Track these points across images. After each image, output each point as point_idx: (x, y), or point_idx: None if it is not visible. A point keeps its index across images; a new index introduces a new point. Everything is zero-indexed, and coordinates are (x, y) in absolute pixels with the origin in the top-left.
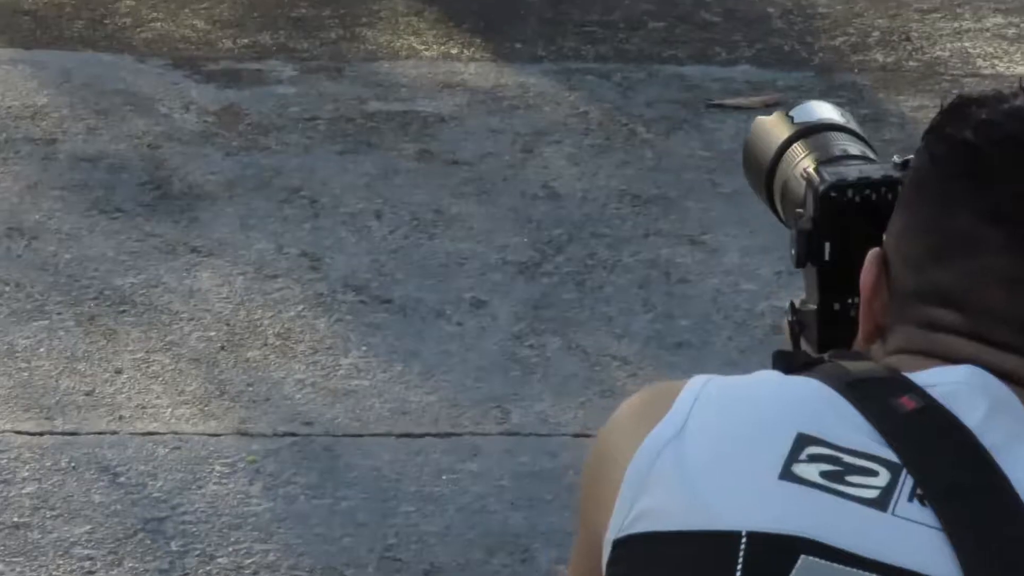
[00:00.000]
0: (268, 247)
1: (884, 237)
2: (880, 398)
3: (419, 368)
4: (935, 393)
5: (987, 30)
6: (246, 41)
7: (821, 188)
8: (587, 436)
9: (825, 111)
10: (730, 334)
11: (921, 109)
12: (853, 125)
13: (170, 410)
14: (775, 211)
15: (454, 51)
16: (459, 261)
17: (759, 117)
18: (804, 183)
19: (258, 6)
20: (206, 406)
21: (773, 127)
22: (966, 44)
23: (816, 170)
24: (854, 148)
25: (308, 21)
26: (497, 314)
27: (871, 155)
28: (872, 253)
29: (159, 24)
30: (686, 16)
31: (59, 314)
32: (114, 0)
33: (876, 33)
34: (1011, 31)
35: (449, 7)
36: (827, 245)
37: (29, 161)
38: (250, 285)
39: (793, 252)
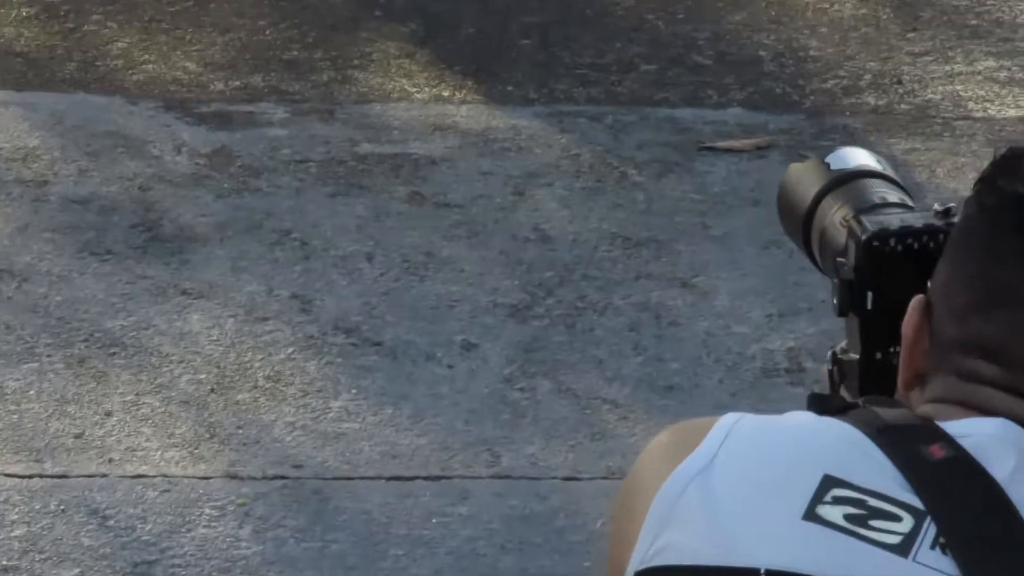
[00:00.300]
0: (259, 289)
1: (929, 284)
2: (910, 445)
3: (409, 411)
4: (966, 444)
5: (979, 73)
6: (238, 83)
7: (863, 237)
8: (577, 479)
9: (861, 157)
10: (721, 377)
11: (912, 152)
12: (890, 172)
13: (160, 453)
14: (812, 259)
15: (446, 93)
16: (450, 304)
17: (793, 164)
18: (845, 232)
19: (250, 48)
20: (196, 449)
21: (809, 174)
22: (958, 87)
23: (857, 219)
24: (893, 195)
25: (300, 63)
26: (488, 357)
27: (909, 202)
28: (915, 300)
29: (151, 66)
30: (677, 59)
31: (49, 356)
32: (106, 42)
33: (868, 76)
34: (1003, 74)
35: (441, 49)
36: (869, 295)
37: (20, 203)
38: (240, 327)
39: (835, 301)
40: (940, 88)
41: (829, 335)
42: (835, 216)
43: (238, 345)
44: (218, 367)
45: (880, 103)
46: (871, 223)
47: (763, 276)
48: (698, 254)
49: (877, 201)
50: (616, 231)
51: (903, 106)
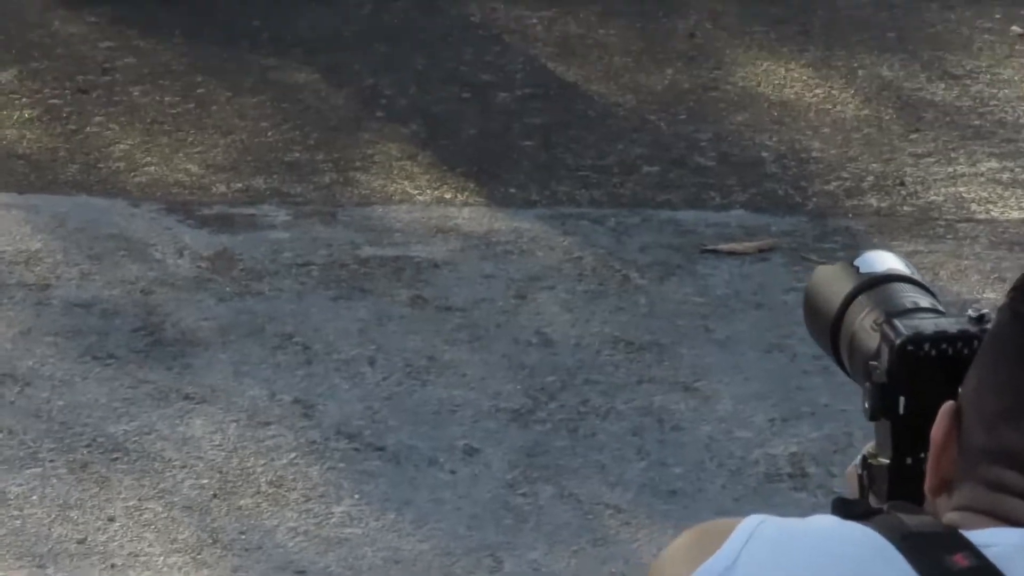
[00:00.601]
0: (261, 394)
1: (959, 391)
2: (934, 553)
3: (412, 516)
4: (990, 553)
5: (981, 175)
6: (240, 185)
7: (897, 342)
8: None
9: (890, 261)
10: (724, 482)
11: (915, 254)
12: (918, 276)
13: (163, 558)
14: (839, 362)
15: (448, 196)
16: (452, 408)
17: (821, 266)
18: (877, 336)
19: (252, 150)
20: (199, 554)
21: (837, 277)
22: (960, 189)
23: (890, 323)
24: (924, 300)
25: (302, 165)
26: (490, 462)
27: (940, 307)
28: (946, 406)
29: (153, 168)
30: (680, 160)
31: (52, 461)
32: (108, 144)
33: (870, 178)
34: (1006, 175)
35: (443, 151)
36: (902, 399)
37: (23, 307)
38: (243, 432)
39: (866, 405)
40: (943, 190)
41: (832, 439)
42: (866, 320)
43: (240, 450)
44: (220, 472)
45: (883, 205)
46: (905, 327)
47: (766, 380)
48: (701, 358)
49: (909, 305)
50: (618, 335)
51: (906, 208)
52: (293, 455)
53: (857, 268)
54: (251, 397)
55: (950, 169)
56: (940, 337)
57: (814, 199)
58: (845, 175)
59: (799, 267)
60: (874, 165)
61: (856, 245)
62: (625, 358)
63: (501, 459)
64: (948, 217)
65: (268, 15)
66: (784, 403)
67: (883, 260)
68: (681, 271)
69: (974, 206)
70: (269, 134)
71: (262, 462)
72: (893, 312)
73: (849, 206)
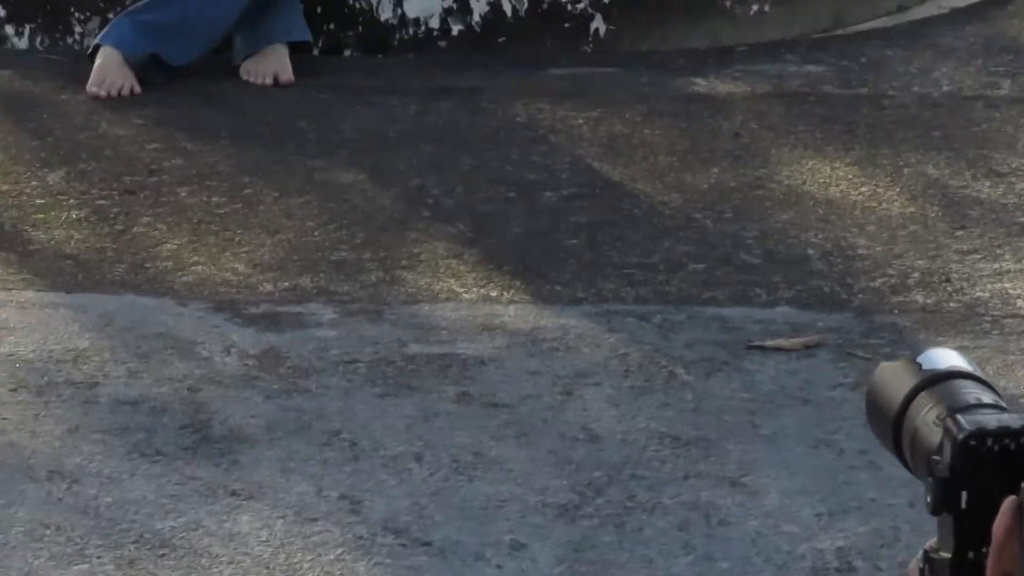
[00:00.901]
0: (308, 490)
1: (1022, 486)
2: None
3: None
4: None
5: None
6: (287, 284)
7: (960, 436)
8: None
9: (952, 358)
10: None
11: (962, 350)
12: (980, 373)
13: None
14: (901, 458)
15: (493, 293)
16: (499, 504)
17: (883, 363)
18: (940, 431)
19: (298, 249)
20: None
21: (899, 374)
22: (1007, 285)
23: (953, 418)
24: (987, 396)
25: (348, 264)
26: (537, 557)
27: (1002, 403)
28: (1008, 501)
29: (200, 268)
30: (726, 258)
31: (99, 558)
32: (155, 244)
33: (916, 274)
34: None
35: (489, 250)
36: (964, 494)
37: (70, 405)
38: (290, 528)
39: (929, 500)
40: (989, 286)
41: (880, 534)
42: (928, 415)
43: (288, 546)
44: (268, 568)
45: (928, 301)
46: (968, 422)
47: (813, 475)
48: (747, 453)
49: (972, 401)
50: (665, 430)
51: (952, 304)
52: (340, 551)
53: (920, 365)
54: (298, 493)
55: (996, 266)
56: (1003, 432)
57: (860, 296)
58: (891, 272)
59: (845, 363)
60: (920, 262)
61: (902, 341)
62: (672, 453)
63: (548, 554)
64: (994, 313)
65: (314, 117)
66: (831, 498)
67: (945, 357)
68: (727, 367)
69: (1020, 302)
70: (316, 233)
71: (309, 558)
72: (956, 407)
73: (895, 302)
